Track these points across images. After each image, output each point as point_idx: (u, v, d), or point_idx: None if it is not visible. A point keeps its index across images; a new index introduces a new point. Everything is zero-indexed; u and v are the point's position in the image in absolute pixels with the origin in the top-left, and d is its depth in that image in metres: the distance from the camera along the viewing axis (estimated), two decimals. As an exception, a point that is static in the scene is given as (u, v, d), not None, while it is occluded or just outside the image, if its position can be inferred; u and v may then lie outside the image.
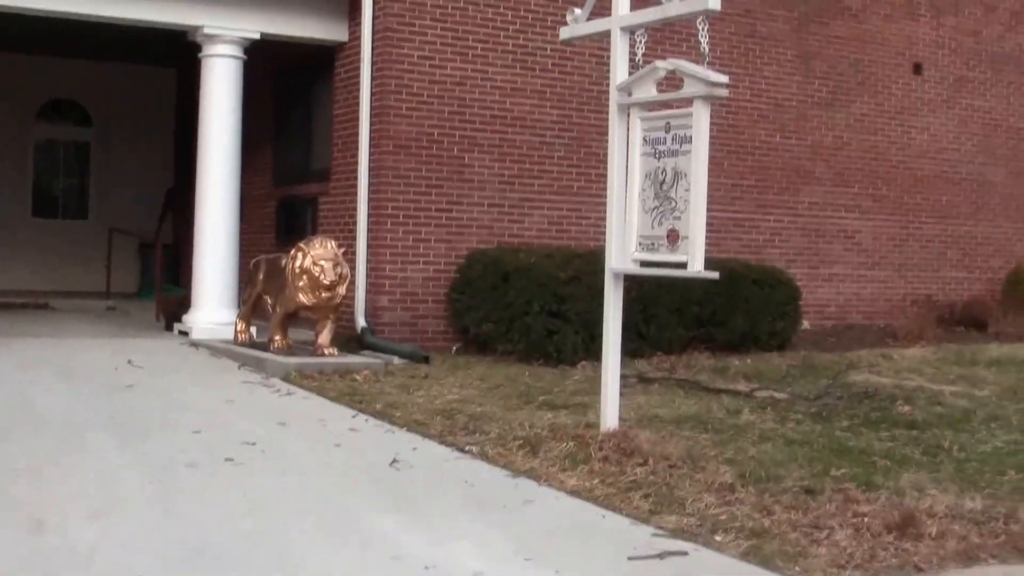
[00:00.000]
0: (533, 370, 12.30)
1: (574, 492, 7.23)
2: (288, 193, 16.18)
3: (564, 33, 8.97)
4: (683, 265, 7.95)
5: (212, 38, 13.87)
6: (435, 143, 13.91)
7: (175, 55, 16.68)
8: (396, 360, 12.52)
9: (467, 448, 8.39)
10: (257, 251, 14.61)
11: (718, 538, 6.34)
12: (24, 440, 8.23)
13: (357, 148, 13.95)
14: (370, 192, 13.85)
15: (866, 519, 6.60)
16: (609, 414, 8.55)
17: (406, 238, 13.82)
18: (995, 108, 18.68)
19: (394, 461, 7.87)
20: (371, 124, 13.85)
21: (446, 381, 11.41)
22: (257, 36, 13.99)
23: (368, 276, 13.85)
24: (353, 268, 13.70)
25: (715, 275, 8.02)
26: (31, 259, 19.74)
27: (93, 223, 20.38)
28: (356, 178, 13.96)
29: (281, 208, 16.35)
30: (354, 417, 9.50)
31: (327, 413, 9.68)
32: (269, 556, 5.79)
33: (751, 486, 7.32)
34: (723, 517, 6.69)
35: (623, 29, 8.41)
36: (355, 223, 13.96)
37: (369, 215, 13.86)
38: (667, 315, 13.56)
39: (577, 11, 8.82)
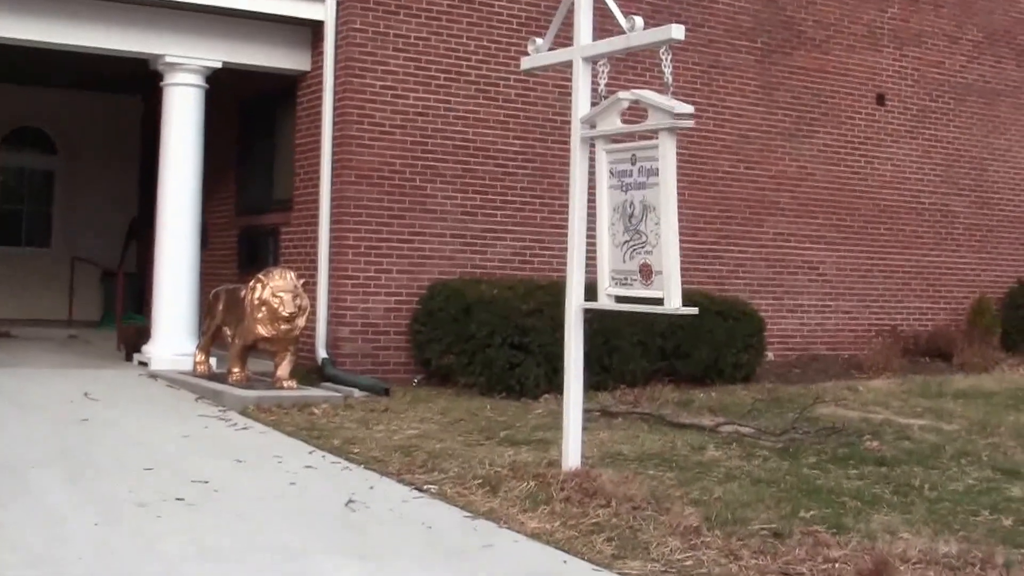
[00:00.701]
0: (495, 403, 12.14)
1: (535, 535, 7.05)
2: (250, 223, 15.97)
3: (525, 63, 8.83)
4: (659, 301, 7.79)
5: (174, 67, 13.67)
6: (397, 173, 13.75)
7: (141, 83, 16.48)
8: (356, 393, 12.35)
9: (426, 487, 8.20)
10: (219, 280, 14.43)
11: (683, 585, 6.19)
12: (-30, 477, 8.01)
13: (319, 178, 13.79)
14: (332, 222, 13.66)
15: (837, 565, 6.45)
16: (571, 453, 8.39)
17: (368, 269, 13.64)
18: (958, 139, 18.65)
19: (350, 501, 7.67)
20: (333, 154, 13.68)
21: (406, 415, 11.24)
22: (219, 65, 13.79)
23: (329, 307, 13.66)
24: (314, 299, 13.53)
25: (694, 311, 7.84)
26: (-7, 287, 19.47)
27: (56, 251, 20.09)
28: (318, 208, 13.78)
29: (243, 238, 16.14)
30: (311, 453, 9.30)
31: (284, 449, 9.46)
32: (217, 606, 5.59)
33: (717, 529, 7.14)
34: (689, 563, 6.53)
35: (585, 59, 8.28)
36: (316, 254, 13.77)
37: (331, 245, 13.67)
38: (630, 347, 13.43)
39: (539, 41, 8.69)
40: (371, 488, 8.16)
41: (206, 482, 8.08)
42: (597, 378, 12.56)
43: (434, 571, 6.31)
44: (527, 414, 11.51)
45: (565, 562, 6.56)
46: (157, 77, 14.00)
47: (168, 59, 13.58)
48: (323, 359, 13.49)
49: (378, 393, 12.40)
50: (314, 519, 7.29)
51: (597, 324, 12.13)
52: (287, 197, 14.83)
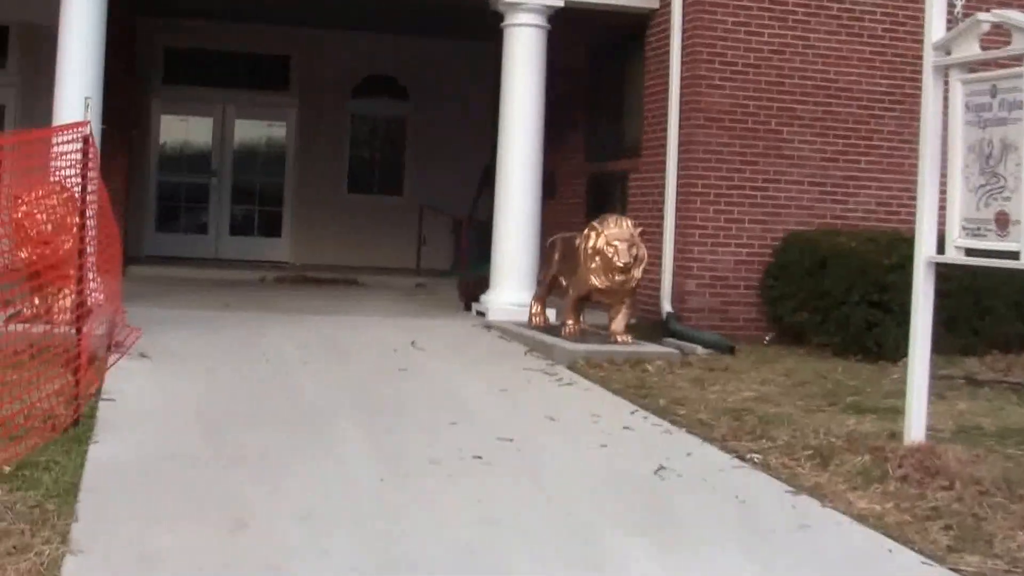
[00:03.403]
0: (848, 365, 11.19)
1: (861, 517, 6.18)
2: (598, 169, 15.42)
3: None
4: (1015, 255, 6.71)
5: (514, 6, 13.19)
6: (750, 116, 12.88)
7: (492, 29, 16.12)
8: (699, 350, 11.65)
9: (749, 456, 7.42)
10: (568, 229, 13.89)
11: (1030, 589, 5.21)
12: (269, 425, 7.75)
13: (666, 122, 13.06)
14: (679, 168, 12.95)
15: None
16: (914, 426, 7.41)
17: (717, 218, 12.86)
18: None
19: (660, 468, 6.98)
20: (680, 96, 12.94)
21: (747, 375, 10.43)
22: (561, 3, 13.19)
23: (675, 259, 12.96)
24: (659, 249, 12.93)
25: (1054, 269, 6.73)
26: (345, 235, 19.64)
27: (408, 199, 20.08)
28: (665, 154, 13.07)
29: (591, 185, 15.62)
30: (632, 413, 8.63)
31: (604, 408, 8.83)
32: (474, 578, 5.02)
33: (1078, 525, 6.06)
34: (1039, 562, 5.53)
35: (940, -23, 7.25)
36: (663, 202, 13.07)
37: (677, 193, 12.97)
38: (1004, 308, 12.15)
39: (891, -42, 7.69)
40: (688, 454, 7.45)
41: (510, 440, 7.56)
42: (964, 341, 11.45)
43: (737, 553, 5.53)
44: (881, 379, 10.51)
45: (891, 551, 5.69)
46: (498, 18, 13.51)
47: (509, -1, 13.13)
48: (667, 313, 12.82)
49: (722, 351, 11.65)
50: (617, 487, 6.66)
51: (967, 281, 11.06)
52: (635, 143, 14.17)
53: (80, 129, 7.35)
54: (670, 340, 12.09)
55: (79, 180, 8.20)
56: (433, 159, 19.99)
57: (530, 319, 12.40)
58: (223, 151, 20.08)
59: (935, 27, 7.29)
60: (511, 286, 13.16)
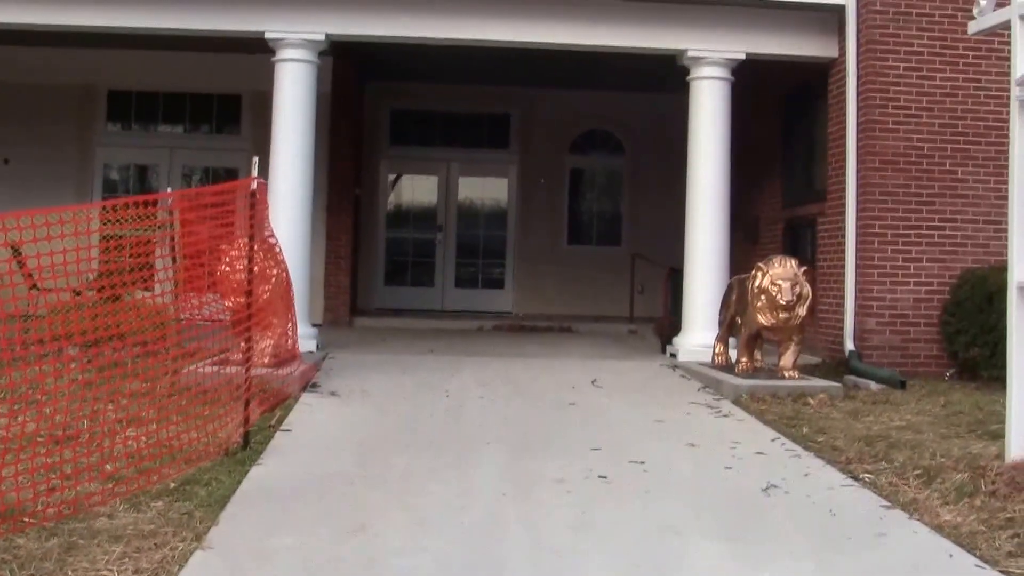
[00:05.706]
0: (1012, 398, 11.40)
1: (940, 527, 6.65)
2: (793, 214, 15.91)
3: (972, 27, 8.30)
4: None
5: (698, 60, 13.90)
6: (925, 158, 13.25)
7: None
8: (873, 385, 12.03)
9: (861, 476, 7.92)
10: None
11: (1071, 592, 5.64)
12: (422, 451, 8.55)
13: (844, 166, 13.51)
14: (857, 210, 13.38)
15: None
16: (1014, 444, 7.78)
17: (895, 257, 13.24)
18: None
19: (769, 487, 7.55)
20: (857, 140, 13.39)
21: (905, 407, 10.82)
22: (742, 56, 13.85)
23: (856, 298, 13.36)
24: (841, 290, 13.39)
25: None
26: (565, 285, 20.44)
27: (625, 249, 20.71)
28: (844, 196, 13.50)
29: (787, 229, 16.12)
30: (773, 441, 9.17)
31: (746, 436, 9.37)
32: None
33: None
34: (1093, 569, 5.93)
35: (1022, 17, 7.66)
36: (844, 243, 13.50)
37: (857, 235, 13.38)
38: None
39: (983, 2, 8.12)
40: (805, 475, 7.98)
41: (642, 463, 8.20)
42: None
43: (803, 557, 6.09)
44: (1038, 410, 10.73)
45: (951, 556, 6.17)
46: (683, 72, 14.21)
47: (691, 53, 13.84)
48: (850, 351, 13.22)
49: (894, 386, 12.01)
50: (719, 502, 7.23)
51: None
52: (822, 188, 14.63)
53: (248, 185, 8.19)
54: (850, 377, 12.51)
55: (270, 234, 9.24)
56: (648, 210, 20.65)
57: (713, 359, 12.99)
58: (447, 207, 21.08)
59: (1019, 65, 7.66)
60: (698, 328, 13.78)
